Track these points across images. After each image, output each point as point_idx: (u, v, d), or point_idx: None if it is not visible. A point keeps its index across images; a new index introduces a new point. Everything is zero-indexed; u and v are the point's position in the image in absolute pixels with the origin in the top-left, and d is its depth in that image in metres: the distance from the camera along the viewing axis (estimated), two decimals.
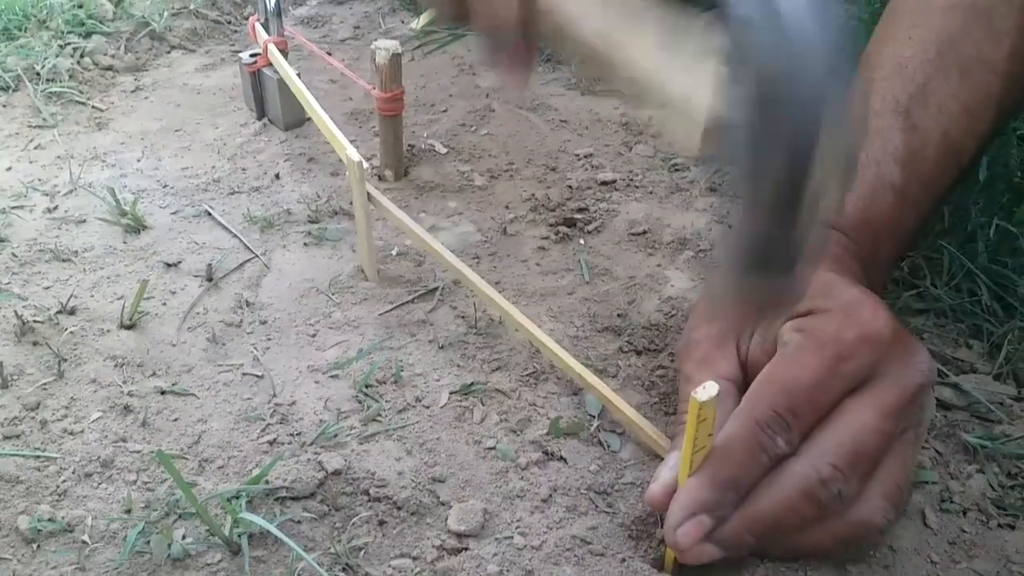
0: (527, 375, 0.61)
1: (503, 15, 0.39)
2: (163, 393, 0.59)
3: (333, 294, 0.68)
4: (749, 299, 0.39)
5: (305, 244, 0.73)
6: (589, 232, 0.75)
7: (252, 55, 0.86)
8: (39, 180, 0.80)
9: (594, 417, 0.57)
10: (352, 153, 0.65)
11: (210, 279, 0.69)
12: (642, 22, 0.35)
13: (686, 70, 0.34)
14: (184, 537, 0.49)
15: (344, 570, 0.48)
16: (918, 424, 0.47)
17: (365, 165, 0.65)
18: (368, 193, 0.66)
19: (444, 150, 0.86)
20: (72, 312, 0.65)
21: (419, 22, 1.10)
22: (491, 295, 0.62)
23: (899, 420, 0.45)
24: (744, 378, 0.50)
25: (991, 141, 0.61)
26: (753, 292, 0.46)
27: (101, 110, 0.92)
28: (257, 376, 0.60)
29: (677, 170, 0.83)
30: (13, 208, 0.76)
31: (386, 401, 0.58)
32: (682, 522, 0.44)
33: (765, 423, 0.44)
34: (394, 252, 0.72)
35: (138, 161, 0.84)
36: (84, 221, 0.75)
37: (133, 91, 0.97)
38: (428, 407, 0.58)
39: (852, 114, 0.32)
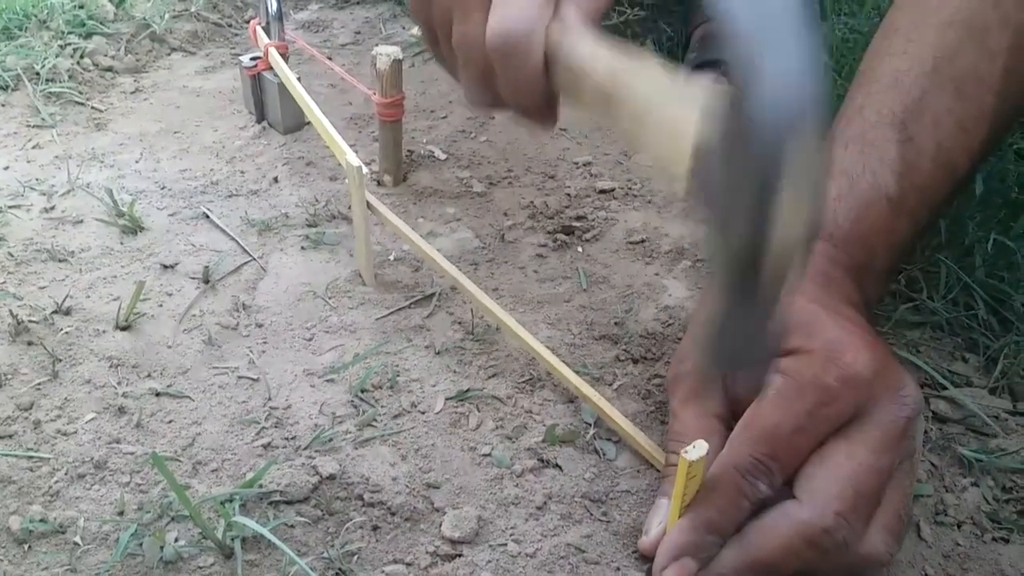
0: (523, 382, 0.60)
1: (531, 86, 0.41)
2: (158, 395, 0.59)
3: (330, 298, 0.68)
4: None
5: (303, 248, 0.73)
6: (587, 240, 0.75)
7: (253, 58, 0.87)
8: (37, 180, 0.80)
9: (590, 425, 0.57)
10: (351, 158, 0.65)
11: (207, 281, 0.69)
12: (645, 62, 0.37)
13: (680, 103, 0.34)
14: (177, 540, 0.49)
15: (337, 575, 0.48)
16: (912, 453, 0.47)
17: (364, 170, 0.65)
18: (366, 199, 0.66)
19: (443, 156, 0.86)
20: (68, 312, 0.65)
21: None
22: (487, 303, 0.62)
23: (894, 456, 0.46)
24: (732, 413, 0.50)
25: (985, 157, 0.61)
26: (724, 380, 0.50)
27: (100, 111, 0.92)
28: (252, 379, 0.60)
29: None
30: (10, 207, 0.76)
31: (381, 406, 0.58)
32: (668, 565, 0.46)
33: (746, 470, 0.45)
34: (392, 257, 0.72)
35: (136, 162, 0.84)
36: (81, 221, 0.75)
37: (133, 92, 0.97)
38: (424, 413, 0.58)
39: (820, 171, 0.31)
